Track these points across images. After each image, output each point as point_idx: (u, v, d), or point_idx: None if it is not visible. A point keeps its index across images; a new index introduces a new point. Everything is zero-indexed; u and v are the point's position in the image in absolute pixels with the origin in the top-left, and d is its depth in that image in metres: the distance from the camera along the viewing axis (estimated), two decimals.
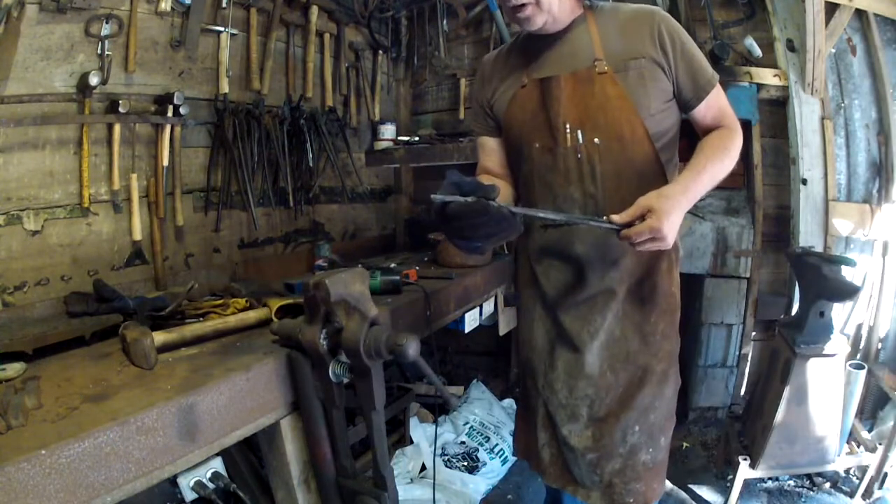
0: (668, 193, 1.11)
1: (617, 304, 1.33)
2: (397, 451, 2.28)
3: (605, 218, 1.11)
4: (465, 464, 2.35)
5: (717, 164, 1.21)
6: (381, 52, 2.96)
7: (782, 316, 2.52)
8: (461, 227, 1.10)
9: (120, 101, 1.73)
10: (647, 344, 1.34)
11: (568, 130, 1.27)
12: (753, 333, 2.67)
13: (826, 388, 2.01)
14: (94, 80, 1.63)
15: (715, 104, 1.29)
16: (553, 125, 1.28)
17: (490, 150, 1.49)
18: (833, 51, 2.47)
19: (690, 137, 1.36)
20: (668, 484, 2.31)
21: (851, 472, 2.24)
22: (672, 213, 1.08)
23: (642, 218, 1.08)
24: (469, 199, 1.03)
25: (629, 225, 1.08)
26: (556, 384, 1.38)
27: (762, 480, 2.25)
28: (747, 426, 2.36)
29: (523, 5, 1.19)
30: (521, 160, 1.38)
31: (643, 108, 1.23)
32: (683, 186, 1.14)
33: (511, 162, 1.46)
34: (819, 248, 2.42)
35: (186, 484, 1.67)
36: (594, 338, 1.33)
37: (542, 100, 1.29)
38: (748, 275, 2.60)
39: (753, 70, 2.51)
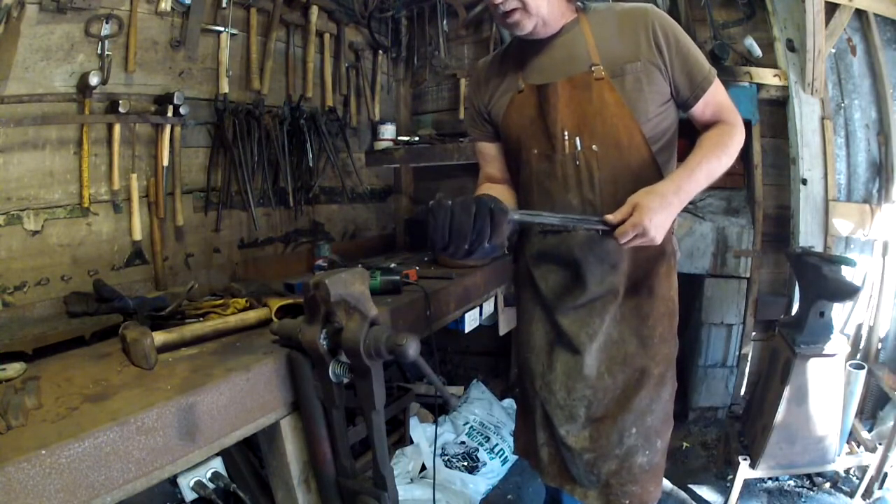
0: (658, 190, 1.12)
1: (615, 308, 1.33)
2: (397, 451, 2.28)
3: (598, 218, 1.12)
4: (465, 464, 2.35)
5: (713, 160, 1.20)
6: (381, 52, 2.96)
7: (782, 316, 2.52)
8: (452, 245, 1.07)
9: (120, 101, 1.72)
10: (645, 347, 1.34)
11: (566, 137, 1.27)
12: (753, 333, 2.67)
13: (826, 388, 2.01)
14: (94, 80, 1.62)
15: (713, 100, 1.28)
16: (551, 132, 1.28)
17: (491, 157, 1.49)
18: (833, 51, 2.47)
19: (690, 136, 1.36)
20: (668, 484, 2.31)
21: (851, 472, 2.24)
22: (658, 209, 1.08)
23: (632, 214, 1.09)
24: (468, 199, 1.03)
25: (622, 223, 1.10)
26: (554, 385, 1.38)
27: (762, 480, 2.25)
28: (747, 426, 2.37)
29: (511, 11, 1.19)
30: (520, 166, 1.38)
31: (640, 114, 1.23)
32: (676, 185, 1.14)
33: (510, 167, 1.46)
34: (819, 248, 2.42)
35: (186, 484, 1.67)
36: (592, 340, 1.33)
37: (540, 106, 1.29)
38: (748, 275, 2.59)
39: (753, 70, 2.51)
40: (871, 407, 2.50)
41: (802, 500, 2.18)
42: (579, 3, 1.29)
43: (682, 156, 1.32)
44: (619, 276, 1.31)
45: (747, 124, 2.51)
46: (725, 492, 2.19)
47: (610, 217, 1.11)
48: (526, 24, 1.21)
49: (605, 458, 1.34)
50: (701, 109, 1.28)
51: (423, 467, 2.27)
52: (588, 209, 1.28)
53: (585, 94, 1.24)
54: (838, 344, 1.99)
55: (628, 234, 1.08)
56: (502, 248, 1.15)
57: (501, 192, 1.42)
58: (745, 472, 2.09)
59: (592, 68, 1.23)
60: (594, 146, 1.25)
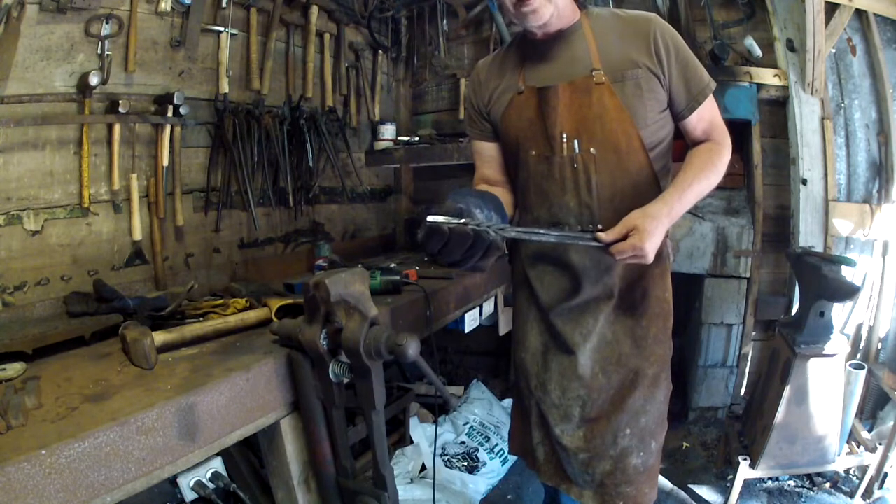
0: (653, 213, 1.13)
1: (609, 308, 1.34)
2: (397, 451, 2.28)
3: (591, 235, 1.14)
4: (465, 464, 2.35)
5: (703, 181, 1.23)
6: (381, 52, 2.96)
7: (782, 316, 2.52)
8: (437, 256, 1.09)
9: (120, 101, 1.73)
10: (639, 347, 1.34)
11: (565, 140, 1.27)
12: (753, 333, 2.67)
13: (826, 388, 2.01)
14: (94, 80, 1.62)
15: (707, 116, 1.29)
16: (550, 134, 1.28)
17: (488, 157, 1.49)
18: (833, 51, 2.47)
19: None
20: (668, 484, 2.31)
21: (851, 472, 2.24)
22: (655, 232, 1.11)
23: (626, 235, 1.11)
24: (459, 221, 1.04)
25: (615, 242, 1.11)
26: (549, 385, 1.39)
27: (762, 480, 2.25)
28: (747, 426, 2.36)
29: None
30: (518, 167, 1.38)
31: (639, 120, 1.24)
32: (668, 206, 1.16)
33: (508, 167, 1.46)
34: (819, 248, 2.42)
35: (186, 484, 1.67)
36: (587, 340, 1.34)
37: (540, 108, 1.29)
38: (748, 275, 2.59)
39: (753, 70, 2.51)
40: (871, 407, 2.50)
41: (802, 500, 2.18)
42: (582, 7, 1.29)
43: (681, 157, 1.33)
44: (613, 277, 1.32)
45: (747, 124, 2.52)
46: (725, 492, 2.19)
47: (604, 236, 1.12)
48: (544, 11, 1.19)
49: (600, 458, 1.35)
50: (694, 123, 1.29)
51: (423, 467, 2.27)
52: (585, 212, 1.29)
53: (586, 97, 1.24)
54: (838, 344, 1.98)
55: (626, 254, 1.10)
56: (484, 270, 1.17)
57: (498, 196, 1.42)
58: (745, 472, 2.09)
59: (593, 73, 1.23)
60: (592, 149, 1.26)
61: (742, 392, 2.72)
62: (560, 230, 1.22)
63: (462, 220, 1.04)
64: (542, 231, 1.16)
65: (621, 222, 1.13)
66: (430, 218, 1.03)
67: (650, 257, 1.12)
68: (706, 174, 1.24)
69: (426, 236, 1.05)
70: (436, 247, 1.05)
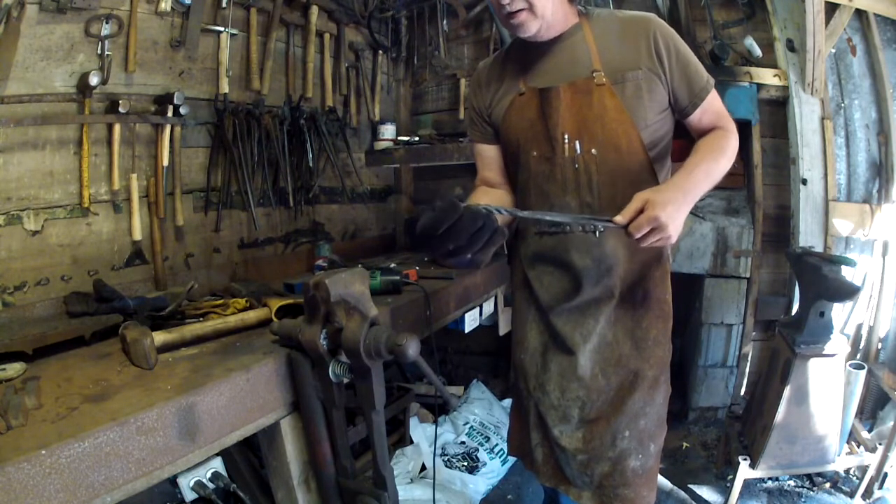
0: (662, 188, 1.12)
1: (609, 309, 1.34)
2: (397, 451, 2.28)
3: (607, 218, 1.10)
4: (465, 464, 2.35)
5: (711, 162, 1.21)
6: (381, 52, 2.96)
7: (782, 316, 2.52)
8: (437, 240, 1.05)
9: (120, 101, 1.72)
10: (639, 349, 1.34)
11: (566, 140, 1.27)
12: (753, 333, 2.67)
13: (826, 388, 2.01)
14: (94, 80, 1.62)
15: (711, 109, 1.29)
16: (551, 135, 1.28)
17: (489, 160, 1.49)
18: (833, 51, 2.47)
19: (687, 138, 1.36)
20: (668, 484, 2.31)
21: (851, 472, 2.24)
22: (668, 203, 1.06)
23: (641, 210, 1.06)
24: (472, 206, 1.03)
25: (632, 221, 1.07)
26: (548, 385, 1.39)
27: (762, 480, 2.25)
28: (747, 426, 2.36)
29: (517, 11, 1.19)
30: (519, 168, 1.38)
31: (640, 120, 1.24)
32: (676, 184, 1.14)
33: (508, 169, 1.46)
34: (819, 248, 2.42)
35: (186, 484, 1.66)
36: (587, 341, 1.34)
37: (541, 109, 1.29)
38: (748, 275, 2.60)
39: (753, 70, 2.51)
40: (871, 407, 2.50)
41: (802, 500, 2.18)
42: (581, 9, 1.30)
43: (681, 156, 1.33)
44: (614, 278, 1.32)
45: (747, 124, 2.52)
46: (725, 492, 2.19)
47: (619, 218, 1.08)
48: (531, 25, 1.22)
49: (598, 459, 1.35)
50: (698, 117, 1.30)
51: (423, 467, 2.27)
52: (586, 212, 1.29)
53: (586, 98, 1.25)
54: (838, 344, 1.98)
55: (643, 228, 1.05)
56: (482, 265, 1.16)
57: (499, 197, 1.42)
58: (745, 472, 2.09)
59: (594, 74, 1.24)
60: (594, 150, 1.26)
61: (742, 392, 2.72)
62: (574, 215, 1.20)
63: (476, 205, 1.04)
64: (555, 213, 1.13)
65: (633, 198, 1.08)
66: (441, 203, 1.03)
67: (671, 231, 1.06)
68: (715, 156, 1.22)
69: (439, 211, 1.01)
70: (441, 224, 1.01)
